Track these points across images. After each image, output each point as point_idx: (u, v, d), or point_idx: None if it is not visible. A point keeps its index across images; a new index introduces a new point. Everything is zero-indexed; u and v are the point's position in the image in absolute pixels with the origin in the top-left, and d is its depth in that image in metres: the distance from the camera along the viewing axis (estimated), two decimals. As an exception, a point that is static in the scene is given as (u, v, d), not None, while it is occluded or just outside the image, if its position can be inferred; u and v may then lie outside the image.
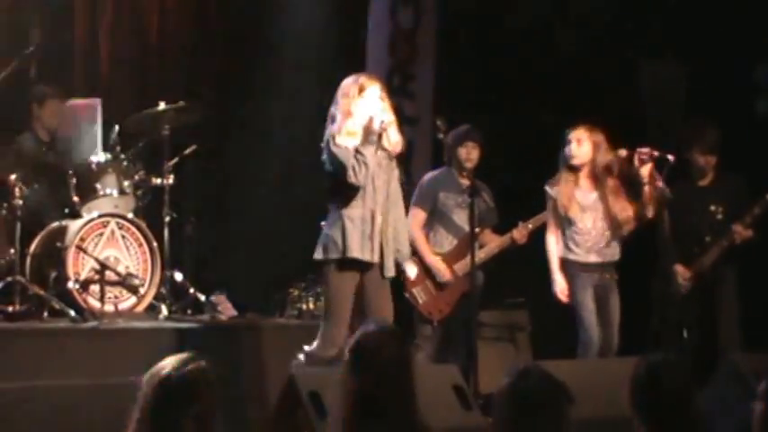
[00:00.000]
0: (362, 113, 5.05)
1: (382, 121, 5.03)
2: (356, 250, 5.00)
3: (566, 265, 5.94)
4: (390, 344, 3.05)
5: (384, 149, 5.09)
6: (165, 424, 2.67)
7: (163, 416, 2.67)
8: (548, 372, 2.78)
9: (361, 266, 5.05)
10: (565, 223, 5.93)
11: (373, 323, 3.19)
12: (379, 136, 5.03)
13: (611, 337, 5.86)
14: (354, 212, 5.03)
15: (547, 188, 5.99)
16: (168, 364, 2.75)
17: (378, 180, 5.07)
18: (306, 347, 5.19)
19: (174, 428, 2.66)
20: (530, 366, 2.84)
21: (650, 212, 5.90)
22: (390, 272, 5.10)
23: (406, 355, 3.08)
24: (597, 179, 5.92)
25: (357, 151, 4.99)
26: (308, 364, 5.11)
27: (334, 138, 5.04)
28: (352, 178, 4.97)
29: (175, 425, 2.66)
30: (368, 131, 5.03)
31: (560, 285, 5.91)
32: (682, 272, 6.10)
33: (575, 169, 5.93)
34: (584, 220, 5.91)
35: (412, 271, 5.41)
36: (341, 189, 5.04)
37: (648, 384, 2.97)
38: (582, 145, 5.89)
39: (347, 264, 5.03)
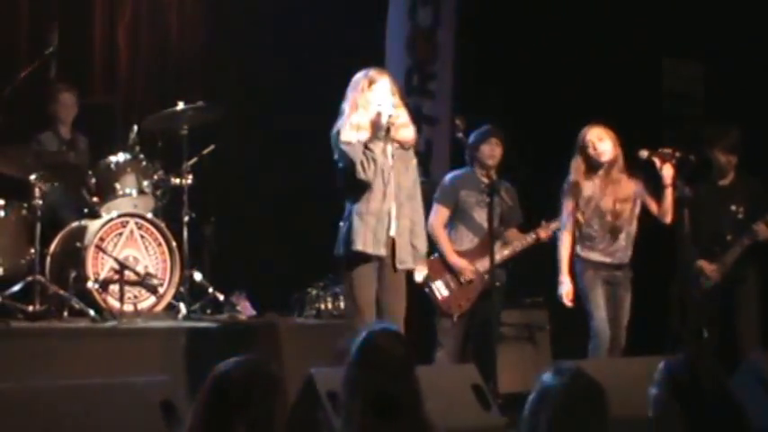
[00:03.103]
0: (371, 107, 5.04)
1: (389, 116, 5.01)
2: (361, 243, 4.97)
3: (578, 260, 5.94)
4: (396, 343, 3.07)
5: (396, 141, 5.08)
6: (217, 424, 2.66)
7: (216, 416, 2.66)
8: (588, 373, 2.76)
9: (373, 261, 5.03)
10: (583, 221, 5.93)
11: (377, 324, 3.20)
12: (387, 130, 5.02)
13: (620, 335, 5.87)
14: (363, 207, 5.02)
15: (566, 185, 6.00)
16: (232, 363, 2.74)
17: (387, 173, 5.05)
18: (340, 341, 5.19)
19: (226, 430, 2.66)
20: (577, 367, 2.78)
21: (668, 218, 5.90)
22: (404, 264, 5.07)
23: (411, 355, 3.08)
24: (610, 176, 5.93)
25: (365, 147, 4.99)
26: (338, 360, 5.10)
27: (339, 133, 5.04)
28: (360, 174, 4.97)
29: (228, 426, 2.65)
30: (376, 126, 5.02)
31: (566, 288, 5.91)
32: (707, 266, 6.08)
33: (599, 168, 5.92)
34: (599, 217, 5.92)
35: (420, 275, 5.34)
36: (351, 185, 5.04)
37: (690, 381, 2.93)
38: (604, 142, 5.90)
39: (357, 258, 5.01)
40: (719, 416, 2.86)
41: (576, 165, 5.96)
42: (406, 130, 5.13)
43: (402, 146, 5.11)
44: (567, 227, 5.96)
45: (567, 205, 5.97)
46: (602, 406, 2.70)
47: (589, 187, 5.96)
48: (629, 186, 5.96)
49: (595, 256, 5.93)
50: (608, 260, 5.94)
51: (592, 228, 5.94)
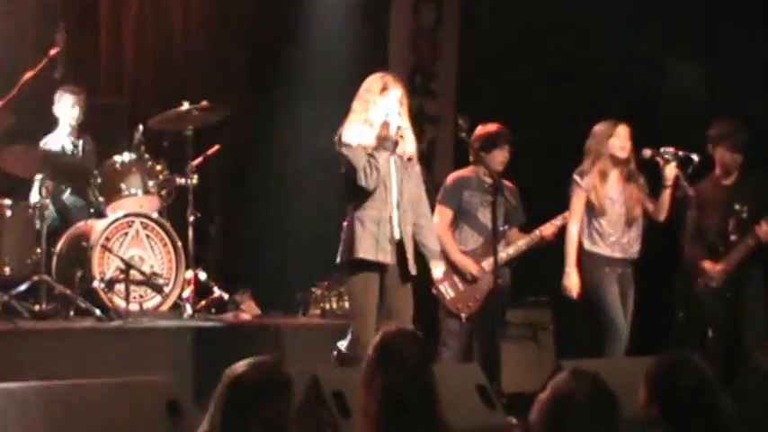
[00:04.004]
0: (378, 112, 5.06)
1: (399, 128, 5.04)
2: (364, 251, 5.01)
3: (590, 257, 5.89)
4: (412, 343, 3.12)
5: (398, 152, 5.11)
6: (233, 424, 2.69)
7: (232, 416, 2.69)
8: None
9: (376, 267, 5.07)
10: (594, 216, 5.90)
11: (394, 324, 3.26)
12: (396, 143, 5.05)
13: (627, 335, 5.87)
14: (365, 214, 5.05)
15: (576, 177, 5.92)
16: (245, 364, 2.77)
17: (390, 181, 5.07)
18: (339, 344, 5.23)
19: (241, 430, 2.69)
20: (596, 372, 2.78)
21: (662, 216, 5.90)
22: (413, 270, 5.12)
23: (426, 355, 3.13)
24: (627, 172, 5.92)
25: (370, 155, 5.00)
26: (339, 362, 5.15)
27: (341, 135, 5.06)
28: (362, 181, 4.99)
29: (243, 426, 2.68)
30: (383, 137, 5.05)
31: (573, 280, 5.84)
32: (711, 267, 6.07)
33: (616, 162, 5.91)
34: (614, 213, 5.90)
35: (438, 271, 5.40)
36: (353, 190, 5.06)
37: (664, 382, 2.96)
38: (627, 140, 5.89)
39: (360, 265, 5.05)
40: (698, 417, 2.88)
41: (605, 158, 5.88)
42: (409, 144, 5.17)
43: (401, 157, 5.14)
44: (578, 217, 5.93)
45: (581, 196, 5.91)
46: (618, 412, 2.72)
47: (609, 180, 5.92)
48: (639, 182, 5.97)
49: (608, 251, 5.89)
50: (619, 255, 5.91)
51: (608, 220, 5.90)
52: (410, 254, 5.11)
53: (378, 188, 5.03)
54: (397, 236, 5.07)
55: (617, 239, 5.93)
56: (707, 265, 6.07)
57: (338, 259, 5.16)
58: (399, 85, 5.17)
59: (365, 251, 5.02)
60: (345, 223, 5.15)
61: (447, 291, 6.07)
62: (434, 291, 6.03)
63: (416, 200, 5.21)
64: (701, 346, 5.88)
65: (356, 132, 5.07)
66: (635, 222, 5.95)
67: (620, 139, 5.90)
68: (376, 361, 3.05)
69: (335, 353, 5.25)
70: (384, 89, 5.11)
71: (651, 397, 2.95)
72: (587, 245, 5.92)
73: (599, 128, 5.95)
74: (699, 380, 2.96)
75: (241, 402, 2.70)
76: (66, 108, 6.70)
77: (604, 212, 5.90)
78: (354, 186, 5.03)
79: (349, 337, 5.15)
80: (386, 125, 5.04)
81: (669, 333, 6.13)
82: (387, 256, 5.04)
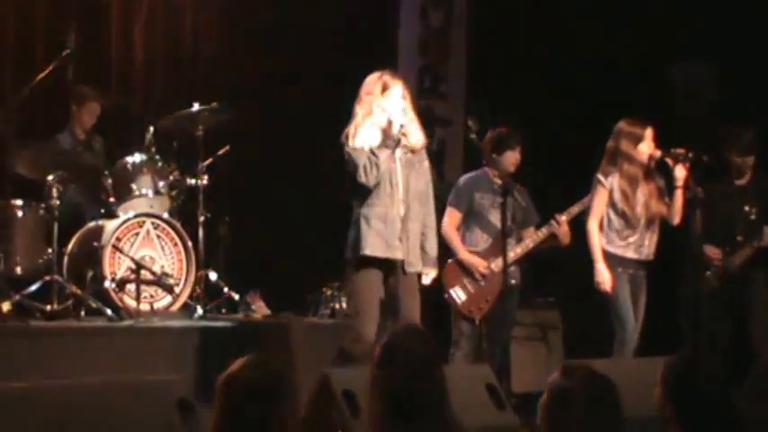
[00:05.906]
0: (383, 114, 5.07)
1: (401, 126, 5.04)
2: (370, 248, 5.02)
3: (605, 257, 5.86)
4: (419, 342, 3.06)
5: (405, 147, 5.11)
6: (241, 426, 2.70)
7: (238, 418, 2.69)
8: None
9: (382, 264, 5.07)
10: (615, 216, 5.87)
11: (402, 323, 3.22)
12: (398, 141, 5.05)
13: (636, 334, 5.85)
14: (370, 211, 5.07)
15: (600, 177, 5.85)
16: (242, 367, 2.77)
17: (395, 177, 5.08)
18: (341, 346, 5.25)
19: (257, 429, 2.70)
20: (586, 366, 2.78)
21: (677, 219, 5.86)
22: (412, 267, 5.10)
23: (435, 354, 3.08)
24: (647, 171, 5.89)
25: (371, 152, 5.02)
26: (340, 361, 5.15)
27: (347, 138, 5.08)
28: (362, 178, 5.01)
29: (254, 428, 2.69)
30: (386, 135, 5.06)
31: (605, 275, 5.77)
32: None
33: (639, 164, 5.87)
34: (636, 214, 5.86)
35: (427, 278, 5.35)
36: (357, 188, 5.08)
37: (679, 383, 2.96)
38: (653, 141, 5.85)
39: (365, 262, 5.06)
40: (714, 417, 2.88)
41: (633, 163, 5.81)
42: (417, 136, 5.17)
43: (411, 150, 5.14)
44: (598, 216, 5.86)
45: (603, 195, 5.84)
46: (617, 400, 2.72)
47: (633, 179, 5.89)
48: (658, 182, 5.94)
49: (621, 251, 5.85)
50: (633, 256, 5.87)
51: (628, 221, 5.89)
52: (413, 251, 5.10)
53: (383, 185, 5.05)
54: (403, 232, 5.05)
55: (634, 239, 5.87)
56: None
57: (346, 255, 5.17)
58: (398, 81, 5.17)
59: (371, 248, 5.03)
60: (352, 221, 5.16)
61: (458, 295, 6.07)
62: (445, 296, 6.03)
63: (424, 196, 5.22)
64: (694, 346, 5.87)
65: (364, 136, 5.08)
66: (654, 222, 5.91)
67: (647, 145, 5.85)
68: (381, 361, 3.01)
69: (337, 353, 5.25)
70: (385, 89, 5.12)
71: (666, 397, 2.96)
72: (603, 243, 5.88)
73: (627, 129, 5.84)
74: (713, 380, 2.96)
75: (246, 404, 2.69)
76: (85, 113, 6.72)
77: (625, 213, 5.85)
78: (358, 184, 5.05)
79: (348, 334, 5.15)
80: (389, 123, 5.06)
81: (674, 333, 6.13)
82: (395, 252, 5.04)
